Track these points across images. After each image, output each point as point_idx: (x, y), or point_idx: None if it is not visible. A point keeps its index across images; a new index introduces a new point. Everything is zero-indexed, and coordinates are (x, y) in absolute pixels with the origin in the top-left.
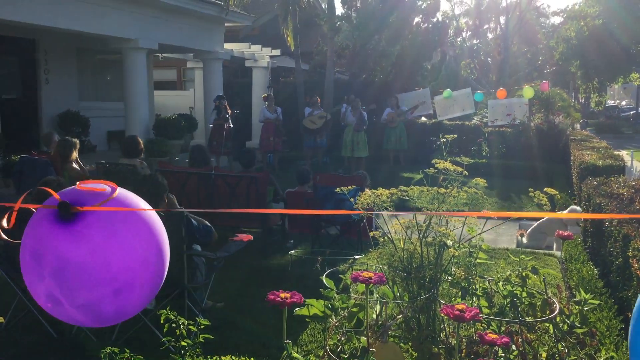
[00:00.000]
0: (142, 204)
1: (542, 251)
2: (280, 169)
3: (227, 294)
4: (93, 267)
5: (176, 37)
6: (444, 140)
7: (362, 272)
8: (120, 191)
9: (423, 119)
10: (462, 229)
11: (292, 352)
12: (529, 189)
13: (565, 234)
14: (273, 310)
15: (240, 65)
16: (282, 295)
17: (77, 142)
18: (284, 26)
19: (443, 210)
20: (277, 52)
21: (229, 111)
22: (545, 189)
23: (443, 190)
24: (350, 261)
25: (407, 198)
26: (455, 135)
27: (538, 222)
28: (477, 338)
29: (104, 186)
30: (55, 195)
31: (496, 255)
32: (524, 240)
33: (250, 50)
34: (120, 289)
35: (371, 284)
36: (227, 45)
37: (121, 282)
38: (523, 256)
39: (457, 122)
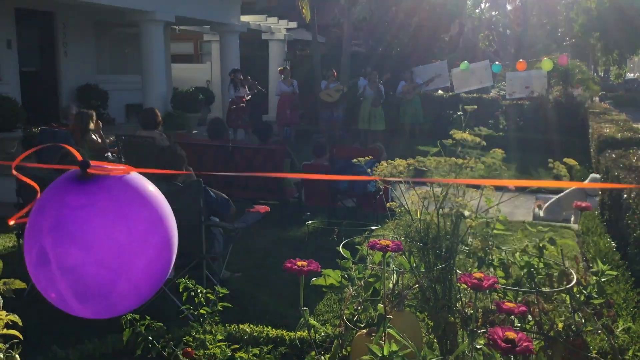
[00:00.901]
0: (152, 187)
1: (559, 224)
2: (297, 142)
3: (245, 265)
4: (90, 228)
5: (193, 9)
6: (463, 112)
7: (379, 240)
8: (135, 174)
9: (440, 92)
10: (480, 199)
11: (310, 319)
12: (549, 160)
13: (584, 204)
14: (290, 281)
15: (257, 38)
16: (300, 263)
17: (94, 113)
18: None
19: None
20: (293, 24)
21: (245, 86)
22: (564, 160)
23: (461, 160)
24: (367, 232)
25: (424, 169)
26: (476, 107)
27: (559, 195)
28: (493, 307)
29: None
30: (78, 156)
31: (512, 228)
32: (541, 213)
33: (267, 23)
34: (108, 265)
35: (388, 253)
36: (244, 18)
37: (111, 258)
38: (540, 227)
39: (475, 94)
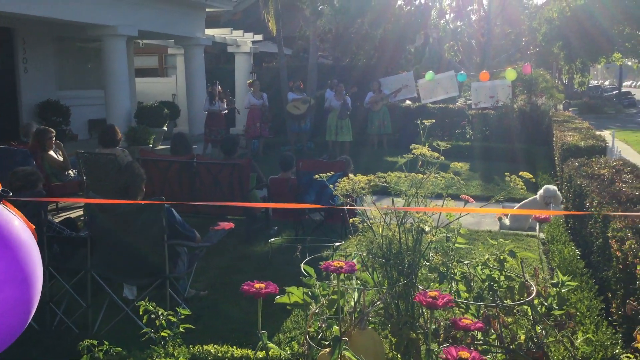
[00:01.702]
0: (17, 223)
1: (524, 233)
2: (264, 155)
3: (211, 283)
4: None
5: (156, 24)
6: (423, 125)
7: (332, 262)
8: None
9: (407, 102)
10: (440, 214)
11: (267, 342)
12: (505, 173)
13: (543, 216)
14: (255, 298)
15: (223, 51)
16: (257, 285)
17: (53, 131)
18: (265, 10)
19: (421, 197)
20: (259, 37)
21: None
22: (520, 173)
23: (420, 176)
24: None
25: (385, 184)
26: (434, 120)
27: (520, 204)
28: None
29: None
30: None
31: (479, 238)
32: (507, 222)
33: (232, 36)
34: None
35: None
36: (209, 31)
37: None
38: (502, 239)
39: (441, 105)
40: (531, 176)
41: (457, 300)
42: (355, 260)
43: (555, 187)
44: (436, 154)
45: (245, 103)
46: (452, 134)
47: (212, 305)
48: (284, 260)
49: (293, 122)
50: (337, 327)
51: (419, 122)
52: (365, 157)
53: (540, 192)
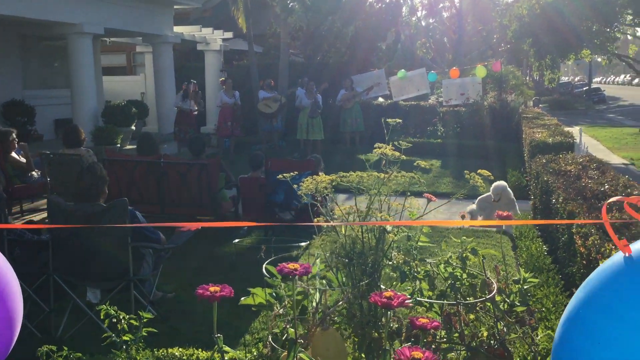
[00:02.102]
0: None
1: (494, 229)
2: (235, 154)
3: (178, 285)
4: None
5: (123, 21)
6: (388, 123)
7: (287, 264)
8: None
9: (380, 99)
10: (402, 213)
11: (222, 346)
12: (465, 171)
13: (505, 214)
14: (224, 299)
15: (192, 49)
16: (212, 289)
17: (14, 131)
18: (235, 7)
19: (384, 195)
20: (229, 34)
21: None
22: (479, 171)
23: (382, 175)
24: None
25: (347, 184)
26: (399, 120)
27: (477, 199)
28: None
29: None
30: None
31: (449, 235)
32: (480, 217)
33: (202, 33)
34: None
35: (315, 269)
36: (177, 28)
37: None
38: (465, 237)
39: (413, 102)
40: (489, 174)
41: (418, 299)
42: (318, 261)
43: (504, 184)
44: (397, 153)
45: (217, 101)
46: (423, 131)
47: (179, 307)
48: (254, 260)
49: (264, 120)
50: (293, 330)
51: (382, 121)
52: (338, 155)
53: (491, 187)
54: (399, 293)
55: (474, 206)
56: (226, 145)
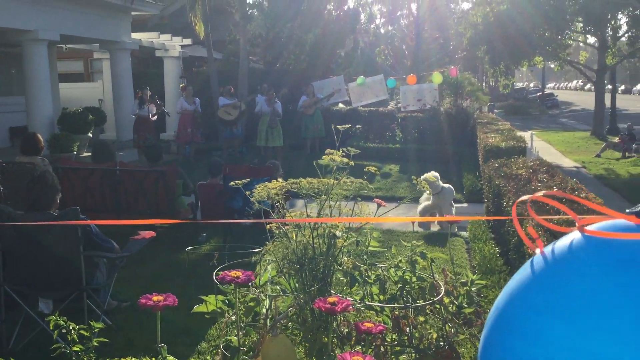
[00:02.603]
0: None
1: (449, 232)
2: (196, 160)
3: (134, 293)
4: None
5: (79, 28)
6: (344, 127)
7: (229, 272)
8: None
9: (340, 105)
10: (352, 217)
11: (166, 356)
12: (412, 177)
13: (453, 220)
14: (180, 307)
15: (151, 55)
16: (155, 298)
17: None
18: (192, 14)
19: (332, 200)
20: (188, 41)
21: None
22: (425, 175)
23: (332, 180)
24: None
25: (296, 190)
26: (349, 125)
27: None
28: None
29: None
30: None
31: (406, 239)
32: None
33: (160, 40)
34: None
35: (265, 275)
36: (135, 35)
37: None
38: (414, 241)
39: (372, 108)
40: (435, 179)
41: (368, 303)
42: (270, 267)
43: (437, 175)
44: (346, 159)
45: (177, 108)
46: (382, 136)
47: (135, 316)
48: (214, 266)
49: (225, 127)
50: (235, 337)
51: (333, 127)
52: (299, 160)
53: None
54: (348, 298)
55: (422, 205)
56: (187, 151)
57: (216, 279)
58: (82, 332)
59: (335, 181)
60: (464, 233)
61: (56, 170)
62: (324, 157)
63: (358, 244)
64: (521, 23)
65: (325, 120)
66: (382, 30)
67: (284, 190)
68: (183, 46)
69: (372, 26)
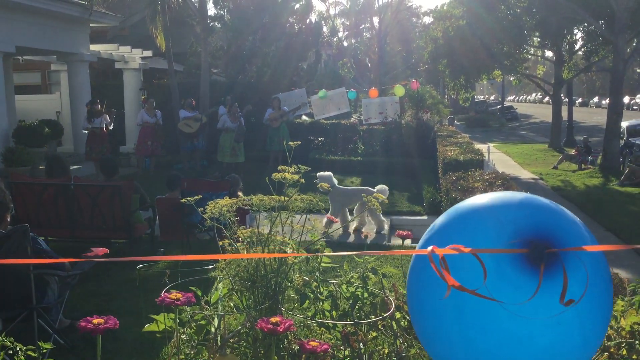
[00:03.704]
0: None
1: (408, 244)
2: (156, 174)
3: (88, 311)
4: None
5: (36, 39)
6: (296, 144)
7: (169, 294)
8: None
9: (304, 117)
10: (301, 234)
11: None
12: (362, 195)
13: (405, 233)
14: (134, 324)
15: (110, 67)
16: (95, 321)
17: None
18: (153, 26)
19: (285, 218)
20: (148, 53)
21: (105, 115)
22: (375, 194)
23: (283, 198)
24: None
25: (249, 207)
26: (299, 142)
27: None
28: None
29: None
30: None
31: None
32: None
33: (120, 52)
34: None
35: (217, 294)
36: (94, 47)
37: None
38: (367, 257)
39: (334, 120)
40: (384, 197)
41: (318, 320)
42: (221, 285)
43: (327, 174)
44: (296, 177)
45: (137, 120)
46: (345, 149)
47: (87, 335)
48: (165, 284)
49: (185, 140)
50: (184, 357)
51: (284, 143)
52: (263, 174)
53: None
54: (299, 315)
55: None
56: (147, 164)
57: (156, 300)
58: (29, 353)
59: (285, 198)
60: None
61: (8, 186)
62: (274, 174)
63: (309, 261)
64: (480, 37)
65: (289, 132)
66: (345, 43)
67: (234, 207)
68: (143, 58)
69: (335, 39)
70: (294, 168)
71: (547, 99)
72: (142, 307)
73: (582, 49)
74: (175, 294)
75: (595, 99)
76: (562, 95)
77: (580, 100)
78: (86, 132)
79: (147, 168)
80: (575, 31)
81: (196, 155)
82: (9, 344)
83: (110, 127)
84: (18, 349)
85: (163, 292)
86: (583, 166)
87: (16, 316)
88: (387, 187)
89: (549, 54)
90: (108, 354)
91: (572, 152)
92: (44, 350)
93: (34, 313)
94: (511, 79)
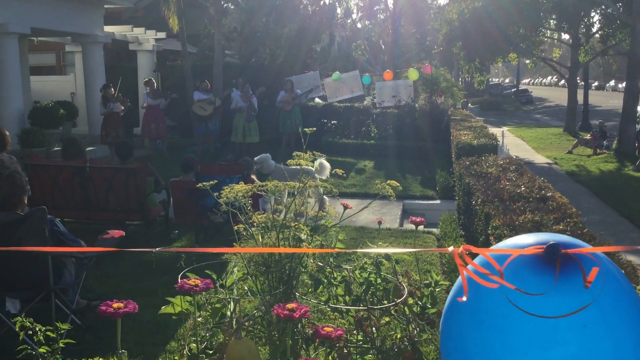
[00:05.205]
0: None
1: (420, 230)
2: (171, 156)
3: (104, 292)
4: None
5: (50, 21)
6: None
7: (188, 280)
8: None
9: (317, 100)
10: (315, 220)
11: None
12: (376, 181)
13: (418, 220)
14: (150, 305)
15: (125, 49)
16: (115, 305)
17: None
18: (165, 7)
19: (301, 204)
20: (162, 34)
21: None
22: (389, 182)
23: (298, 184)
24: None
25: (263, 193)
26: (314, 129)
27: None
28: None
29: None
30: None
31: (379, 237)
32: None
33: (134, 33)
34: None
35: (232, 278)
36: (108, 28)
37: None
38: (381, 242)
39: (347, 103)
40: (397, 184)
41: (332, 305)
42: (236, 269)
43: (264, 155)
44: (310, 164)
45: (140, 102)
46: (358, 132)
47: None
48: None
49: (199, 122)
50: (195, 345)
51: (300, 130)
52: (275, 157)
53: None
54: (313, 300)
55: None
56: (159, 147)
57: (176, 286)
58: (48, 333)
59: (300, 185)
60: (435, 230)
61: (25, 168)
62: (289, 161)
63: (322, 246)
64: (496, 19)
65: (302, 115)
66: (359, 25)
67: (250, 193)
68: (157, 39)
69: (348, 21)
70: (309, 154)
71: (562, 82)
72: (160, 288)
73: (599, 32)
74: (194, 280)
75: (612, 83)
76: (578, 78)
77: (596, 83)
78: (103, 117)
79: (159, 150)
80: (593, 14)
81: (210, 138)
82: (28, 324)
83: (122, 113)
84: (37, 329)
85: (180, 277)
86: (598, 151)
87: (34, 297)
88: (327, 164)
89: (565, 36)
90: (124, 334)
91: (588, 136)
92: (62, 331)
93: (51, 294)
94: (527, 61)
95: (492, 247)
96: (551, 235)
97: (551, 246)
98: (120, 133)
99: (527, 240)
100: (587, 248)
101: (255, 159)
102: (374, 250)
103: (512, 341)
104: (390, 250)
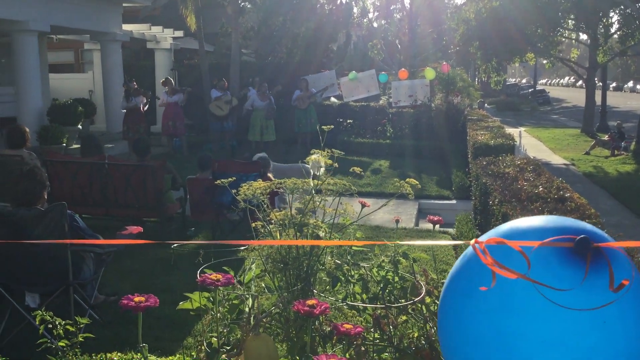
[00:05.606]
0: None
1: (437, 230)
2: (189, 154)
3: (121, 288)
4: None
5: (70, 19)
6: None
7: (210, 275)
8: None
9: (333, 99)
10: (333, 219)
11: (148, 355)
12: (395, 179)
13: (436, 219)
14: (167, 302)
15: (142, 47)
16: (136, 299)
17: None
18: (183, 6)
19: (319, 202)
20: (179, 33)
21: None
22: (407, 180)
23: (317, 182)
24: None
25: (282, 191)
26: (332, 126)
27: None
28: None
29: None
30: None
31: (394, 236)
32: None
33: (152, 32)
34: None
35: (250, 275)
36: (126, 26)
37: None
38: (398, 241)
39: (363, 103)
40: (417, 182)
41: (349, 303)
42: (254, 266)
43: (262, 154)
44: (329, 161)
45: (159, 101)
46: (373, 131)
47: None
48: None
49: (216, 120)
50: (215, 339)
51: (318, 128)
52: (290, 155)
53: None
54: (330, 297)
55: None
56: (177, 144)
57: (197, 280)
58: (68, 327)
59: (318, 182)
60: (451, 230)
61: (44, 164)
62: (307, 158)
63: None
64: (514, 19)
65: (317, 114)
66: (375, 25)
67: (268, 190)
68: (175, 38)
69: (365, 20)
70: (327, 152)
71: (580, 82)
72: (178, 284)
73: (618, 32)
74: (215, 275)
75: (630, 84)
76: (595, 79)
77: (614, 84)
78: (124, 111)
79: (176, 148)
80: (611, 14)
81: (226, 135)
82: (48, 318)
83: (146, 107)
84: (57, 323)
85: (198, 272)
86: (616, 152)
87: (54, 291)
88: (321, 162)
89: (583, 37)
90: (143, 328)
91: (605, 137)
92: (81, 325)
93: (70, 289)
94: (544, 62)
95: (500, 227)
96: (559, 219)
97: (583, 239)
98: (142, 129)
99: (539, 223)
100: (614, 243)
101: (255, 156)
102: (402, 242)
103: (532, 329)
104: (410, 242)
